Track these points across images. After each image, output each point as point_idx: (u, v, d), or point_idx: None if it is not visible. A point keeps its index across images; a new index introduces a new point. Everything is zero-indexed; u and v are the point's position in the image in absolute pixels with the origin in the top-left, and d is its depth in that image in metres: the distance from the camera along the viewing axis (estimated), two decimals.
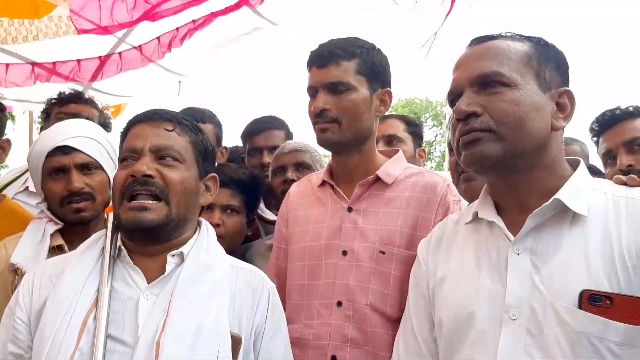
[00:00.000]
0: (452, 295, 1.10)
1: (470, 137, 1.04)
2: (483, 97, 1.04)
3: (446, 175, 1.59)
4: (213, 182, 1.30)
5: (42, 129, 2.50)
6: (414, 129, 2.52)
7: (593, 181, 1.08)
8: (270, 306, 1.23)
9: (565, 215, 1.01)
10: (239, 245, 1.88)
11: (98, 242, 1.22)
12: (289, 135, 2.44)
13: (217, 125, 2.31)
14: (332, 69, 1.44)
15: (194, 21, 3.34)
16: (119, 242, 1.20)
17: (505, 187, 1.08)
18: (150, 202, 1.14)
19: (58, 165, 1.57)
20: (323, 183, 1.57)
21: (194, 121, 1.28)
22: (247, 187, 1.84)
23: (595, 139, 2.01)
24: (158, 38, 3.69)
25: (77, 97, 2.40)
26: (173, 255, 1.17)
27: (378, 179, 1.49)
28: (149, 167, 1.15)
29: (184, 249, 1.18)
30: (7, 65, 3.49)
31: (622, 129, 1.88)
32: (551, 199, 1.01)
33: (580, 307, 0.93)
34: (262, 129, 2.39)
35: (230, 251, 1.78)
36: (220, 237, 1.73)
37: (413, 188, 1.47)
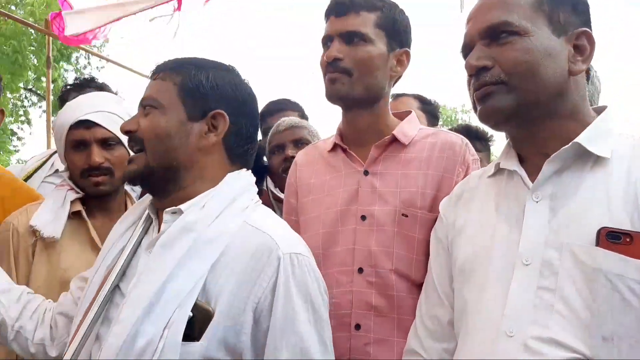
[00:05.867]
0: (468, 243, 1.09)
1: (482, 92, 1.02)
2: (494, 49, 1.02)
3: None
4: (221, 119, 1.11)
5: None
6: (429, 107, 2.47)
7: (620, 126, 1.05)
8: (280, 280, 1.00)
9: (587, 159, 0.99)
10: None
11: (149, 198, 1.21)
12: (303, 117, 2.45)
13: None
14: (351, 18, 1.39)
15: None
16: None
17: (526, 137, 1.06)
18: (133, 154, 1.13)
19: (79, 139, 1.61)
20: (334, 148, 1.51)
21: (194, 60, 1.16)
22: None
23: None
24: None
25: (91, 81, 2.50)
26: (172, 213, 1.07)
27: (394, 140, 1.44)
28: (129, 123, 1.12)
29: (184, 206, 1.06)
30: None
31: None
32: (570, 143, 0.99)
33: (597, 244, 0.91)
34: (275, 110, 2.44)
35: None
36: None
37: (431, 148, 1.43)
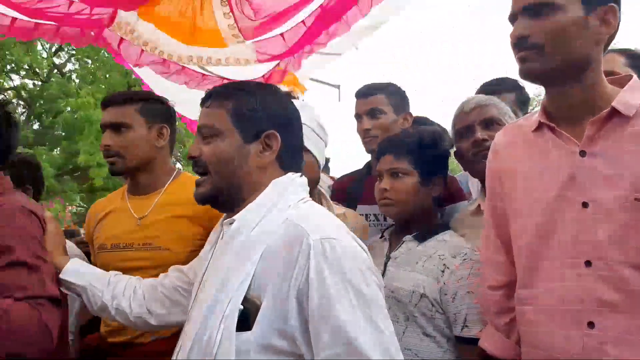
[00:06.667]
0: None
1: None
2: None
3: None
4: (274, 138, 1.22)
5: None
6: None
7: None
8: (312, 266, 1.05)
9: None
10: (418, 206, 1.75)
11: None
12: (522, 97, 2.25)
13: (392, 93, 2.25)
14: None
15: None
16: None
17: None
18: (200, 177, 1.25)
19: None
20: (539, 127, 1.34)
21: (241, 86, 1.27)
22: (412, 148, 1.75)
23: None
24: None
25: None
26: (230, 224, 1.19)
27: (615, 113, 1.24)
28: (193, 149, 1.24)
29: (237, 216, 1.18)
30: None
31: None
32: None
33: None
34: (488, 92, 2.13)
35: (412, 213, 1.73)
36: (390, 200, 1.72)
37: None
